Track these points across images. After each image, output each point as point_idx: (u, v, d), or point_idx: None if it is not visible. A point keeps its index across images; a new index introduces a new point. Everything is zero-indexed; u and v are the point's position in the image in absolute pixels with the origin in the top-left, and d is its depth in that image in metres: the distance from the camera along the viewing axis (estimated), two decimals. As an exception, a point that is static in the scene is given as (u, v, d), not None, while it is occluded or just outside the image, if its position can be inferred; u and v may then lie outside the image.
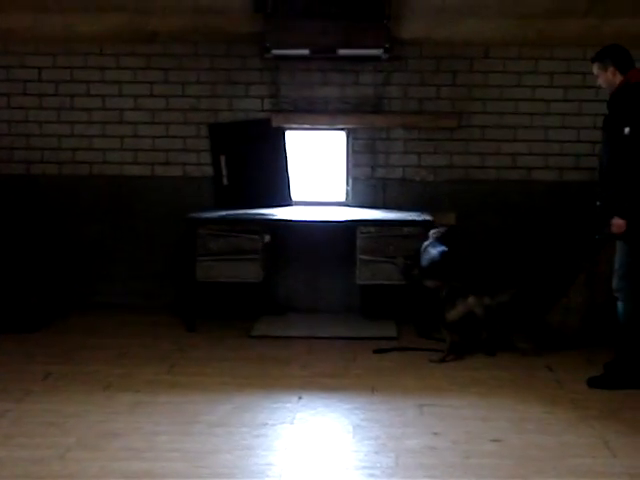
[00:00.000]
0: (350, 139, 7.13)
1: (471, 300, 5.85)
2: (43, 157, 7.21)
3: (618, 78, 5.22)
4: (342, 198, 7.23)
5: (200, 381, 5.33)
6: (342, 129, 7.10)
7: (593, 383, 5.28)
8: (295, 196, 7.15)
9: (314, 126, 7.07)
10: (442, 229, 6.28)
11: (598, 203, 5.30)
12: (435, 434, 4.48)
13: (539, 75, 7.01)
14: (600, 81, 5.35)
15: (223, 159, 7.10)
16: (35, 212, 7.13)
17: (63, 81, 7.14)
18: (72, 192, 7.20)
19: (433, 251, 6.09)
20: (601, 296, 6.09)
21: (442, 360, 5.79)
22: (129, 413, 4.76)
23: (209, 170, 7.16)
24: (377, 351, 5.98)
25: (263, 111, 7.11)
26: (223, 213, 6.66)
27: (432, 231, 6.26)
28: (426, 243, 6.19)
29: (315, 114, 7.07)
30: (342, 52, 6.71)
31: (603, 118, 5.33)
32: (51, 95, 7.16)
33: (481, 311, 5.87)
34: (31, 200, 7.15)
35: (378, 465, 4.09)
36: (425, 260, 6.11)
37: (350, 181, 7.16)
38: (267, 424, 4.61)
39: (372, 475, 3.99)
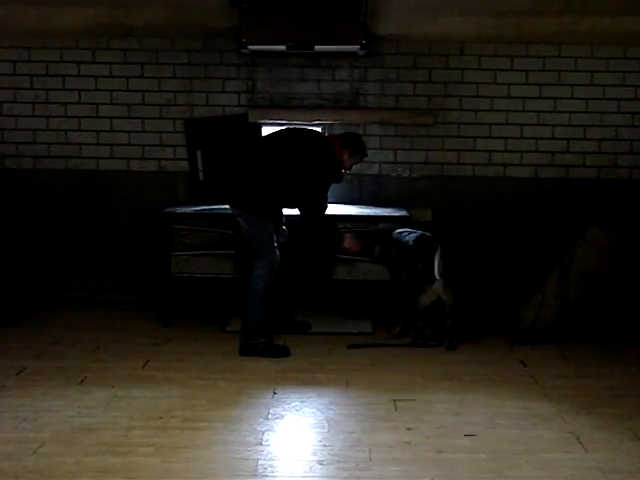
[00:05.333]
0: (326, 135, 7.14)
1: (437, 285, 5.93)
2: (18, 151, 7.17)
3: None
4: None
5: (175, 376, 5.32)
6: (319, 125, 7.10)
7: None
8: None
9: (290, 122, 7.05)
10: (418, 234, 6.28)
11: None
12: (409, 429, 4.50)
13: (514, 72, 7.06)
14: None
15: (199, 154, 7.09)
16: (9, 206, 7.08)
17: (38, 75, 7.11)
18: (47, 186, 7.17)
19: (408, 237, 6.17)
20: (575, 292, 6.15)
21: (414, 344, 6.00)
22: (104, 408, 4.75)
23: (185, 165, 7.15)
24: (351, 346, 6.00)
25: (240, 106, 7.11)
26: (199, 208, 6.64)
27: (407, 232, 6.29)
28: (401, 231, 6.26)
29: (292, 110, 7.08)
30: (319, 48, 6.70)
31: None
32: (26, 89, 7.12)
33: (448, 298, 5.98)
34: (5, 194, 7.10)
35: (352, 459, 4.11)
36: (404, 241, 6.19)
37: (326, 177, 7.16)
38: (242, 419, 4.61)
39: (346, 469, 4.00)
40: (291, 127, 6.34)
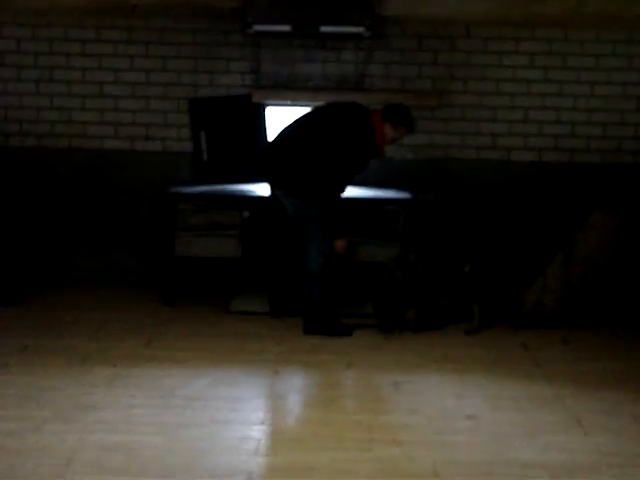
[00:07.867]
0: (331, 116, 7.11)
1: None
2: (22, 129, 7.15)
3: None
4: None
5: (177, 355, 5.34)
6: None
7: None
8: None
9: (295, 103, 7.04)
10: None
11: None
12: (410, 410, 4.52)
13: (520, 55, 7.03)
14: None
15: (203, 134, 7.08)
16: (12, 185, 7.07)
17: (42, 53, 7.07)
18: (51, 165, 7.15)
19: None
20: (578, 277, 6.15)
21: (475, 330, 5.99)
22: (106, 387, 4.77)
23: (189, 145, 7.14)
24: (354, 327, 6.01)
25: (244, 87, 7.09)
26: (202, 188, 6.64)
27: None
28: None
29: (296, 91, 7.05)
30: (324, 29, 6.66)
31: None
32: (30, 67, 7.10)
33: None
34: (9, 172, 7.09)
35: (353, 440, 4.12)
36: None
37: (330, 158, 7.14)
38: (243, 398, 4.63)
39: (347, 450, 4.02)
40: (334, 102, 6.18)
